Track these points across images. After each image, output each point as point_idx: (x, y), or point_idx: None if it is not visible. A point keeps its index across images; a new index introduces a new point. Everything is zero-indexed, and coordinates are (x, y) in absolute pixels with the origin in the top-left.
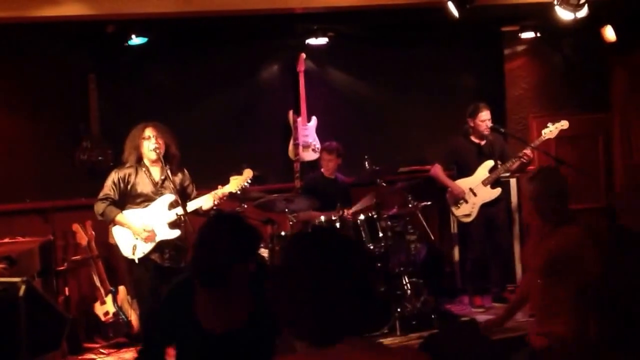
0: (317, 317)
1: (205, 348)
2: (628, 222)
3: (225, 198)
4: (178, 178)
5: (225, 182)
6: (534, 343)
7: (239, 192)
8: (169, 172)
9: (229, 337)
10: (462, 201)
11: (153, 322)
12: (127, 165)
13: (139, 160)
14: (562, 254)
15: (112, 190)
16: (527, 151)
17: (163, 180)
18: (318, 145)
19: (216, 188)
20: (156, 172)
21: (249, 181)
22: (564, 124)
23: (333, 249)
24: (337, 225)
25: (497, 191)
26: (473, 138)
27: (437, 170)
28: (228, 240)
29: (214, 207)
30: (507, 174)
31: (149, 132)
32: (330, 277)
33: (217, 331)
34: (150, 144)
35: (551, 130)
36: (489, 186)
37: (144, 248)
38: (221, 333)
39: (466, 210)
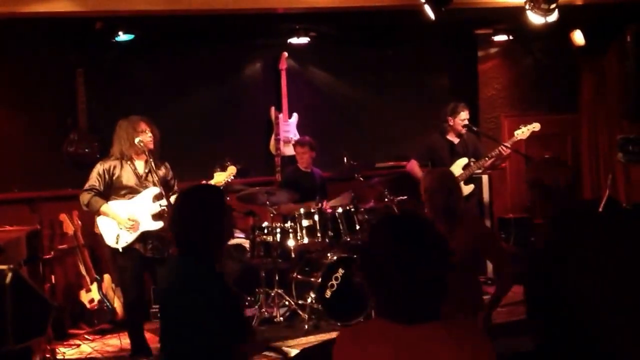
0: (404, 297)
1: None
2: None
3: None
4: (161, 172)
5: (209, 176)
6: None
7: (222, 188)
8: (152, 165)
9: None
10: None
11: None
12: (113, 157)
13: (137, 152)
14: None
15: (97, 182)
16: (502, 148)
17: (147, 173)
18: None
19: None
20: (140, 166)
21: (233, 177)
22: (535, 127)
23: (427, 233)
24: (316, 217)
25: (470, 187)
26: (449, 136)
27: (414, 165)
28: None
29: None
30: (480, 171)
31: (144, 125)
32: (420, 261)
33: None
34: (146, 137)
35: (523, 132)
36: (462, 182)
37: (127, 238)
38: None
39: None
